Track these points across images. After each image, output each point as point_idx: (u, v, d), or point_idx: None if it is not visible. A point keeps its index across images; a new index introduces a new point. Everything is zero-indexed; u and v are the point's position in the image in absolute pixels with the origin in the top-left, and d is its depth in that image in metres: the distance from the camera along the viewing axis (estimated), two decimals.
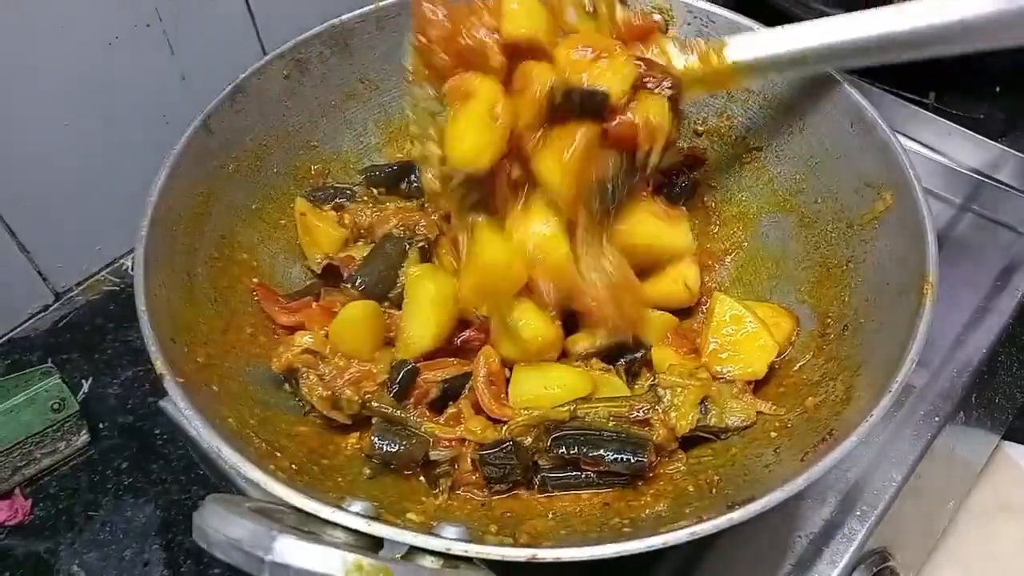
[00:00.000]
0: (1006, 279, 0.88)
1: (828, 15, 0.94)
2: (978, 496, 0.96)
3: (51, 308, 1.11)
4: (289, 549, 0.46)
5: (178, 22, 1.08)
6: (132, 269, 1.17)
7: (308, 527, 0.54)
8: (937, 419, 0.79)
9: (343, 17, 0.85)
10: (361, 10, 0.86)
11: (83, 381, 1.05)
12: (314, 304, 0.78)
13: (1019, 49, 1.00)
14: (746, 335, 0.75)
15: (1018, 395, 0.96)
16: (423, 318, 0.75)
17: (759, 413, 0.72)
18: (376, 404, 0.72)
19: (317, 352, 0.73)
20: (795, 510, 0.74)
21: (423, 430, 0.71)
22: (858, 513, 0.74)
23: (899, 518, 0.77)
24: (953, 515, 0.93)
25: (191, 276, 0.74)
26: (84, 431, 0.98)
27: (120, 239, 1.18)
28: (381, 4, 0.86)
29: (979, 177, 0.92)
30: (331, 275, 0.82)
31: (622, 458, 0.68)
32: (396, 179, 0.89)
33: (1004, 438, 1.01)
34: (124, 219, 1.16)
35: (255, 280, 0.79)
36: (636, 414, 0.71)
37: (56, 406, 0.94)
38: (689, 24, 0.86)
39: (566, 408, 0.71)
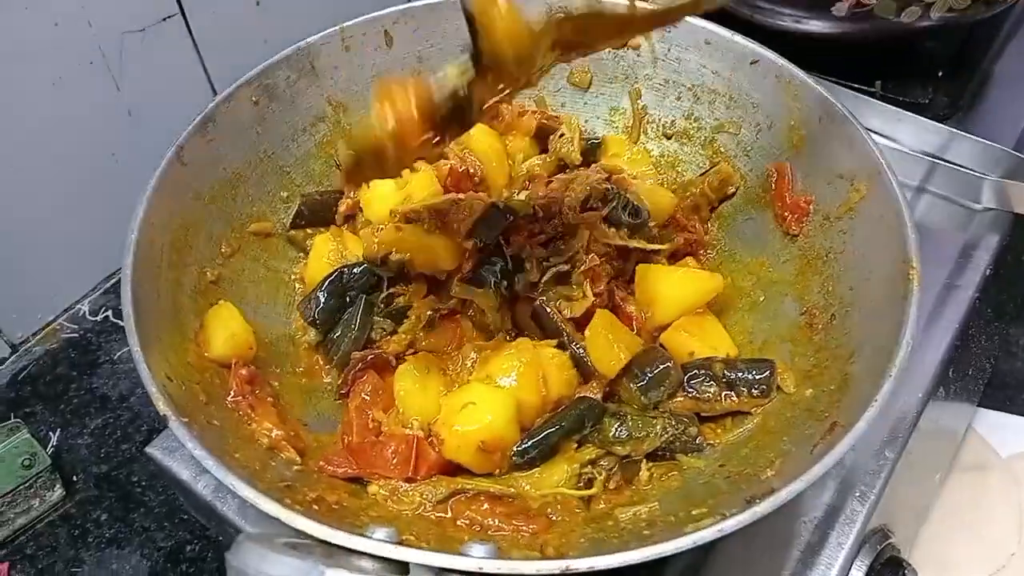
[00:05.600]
0: (968, 255, 0.91)
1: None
2: (957, 464, 1.00)
3: (8, 361, 1.06)
4: None
5: (122, 58, 1.06)
6: (89, 315, 1.14)
7: (334, 559, 0.53)
8: (920, 395, 0.81)
9: (309, 40, 0.84)
10: (326, 31, 0.85)
11: (50, 433, 1.00)
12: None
13: (958, 34, 1.05)
14: None
15: (987, 365, 1.00)
16: None
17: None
18: None
19: None
20: (798, 497, 0.76)
21: None
22: (857, 494, 0.76)
23: (895, 495, 0.79)
24: (939, 487, 0.96)
25: (177, 311, 0.72)
26: (58, 485, 0.94)
27: (75, 284, 1.14)
28: (345, 25, 0.85)
29: (931, 159, 0.96)
30: None
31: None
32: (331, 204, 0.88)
33: (979, 406, 1.05)
34: (78, 264, 1.13)
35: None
36: None
37: (27, 462, 0.89)
38: None
39: None
